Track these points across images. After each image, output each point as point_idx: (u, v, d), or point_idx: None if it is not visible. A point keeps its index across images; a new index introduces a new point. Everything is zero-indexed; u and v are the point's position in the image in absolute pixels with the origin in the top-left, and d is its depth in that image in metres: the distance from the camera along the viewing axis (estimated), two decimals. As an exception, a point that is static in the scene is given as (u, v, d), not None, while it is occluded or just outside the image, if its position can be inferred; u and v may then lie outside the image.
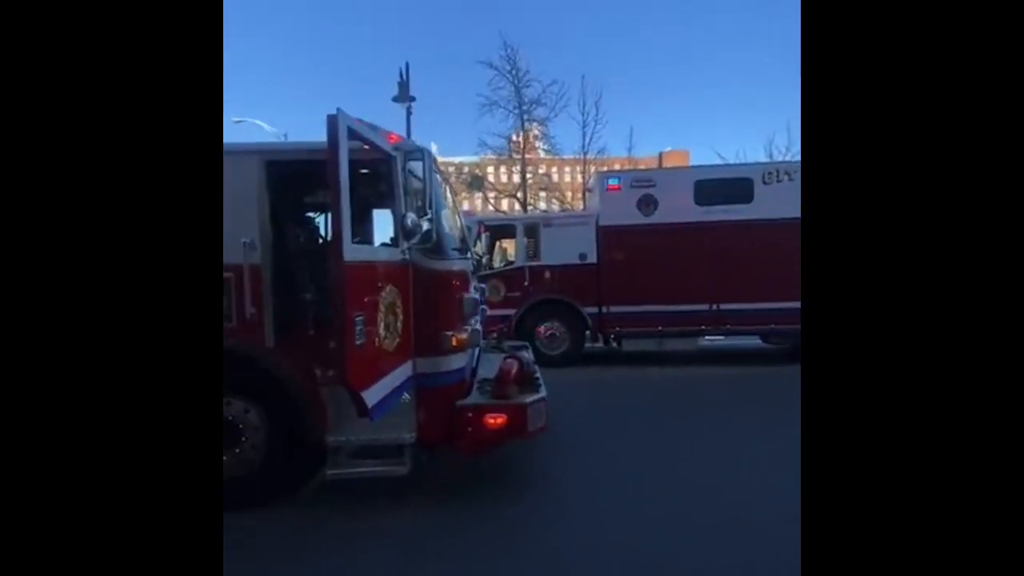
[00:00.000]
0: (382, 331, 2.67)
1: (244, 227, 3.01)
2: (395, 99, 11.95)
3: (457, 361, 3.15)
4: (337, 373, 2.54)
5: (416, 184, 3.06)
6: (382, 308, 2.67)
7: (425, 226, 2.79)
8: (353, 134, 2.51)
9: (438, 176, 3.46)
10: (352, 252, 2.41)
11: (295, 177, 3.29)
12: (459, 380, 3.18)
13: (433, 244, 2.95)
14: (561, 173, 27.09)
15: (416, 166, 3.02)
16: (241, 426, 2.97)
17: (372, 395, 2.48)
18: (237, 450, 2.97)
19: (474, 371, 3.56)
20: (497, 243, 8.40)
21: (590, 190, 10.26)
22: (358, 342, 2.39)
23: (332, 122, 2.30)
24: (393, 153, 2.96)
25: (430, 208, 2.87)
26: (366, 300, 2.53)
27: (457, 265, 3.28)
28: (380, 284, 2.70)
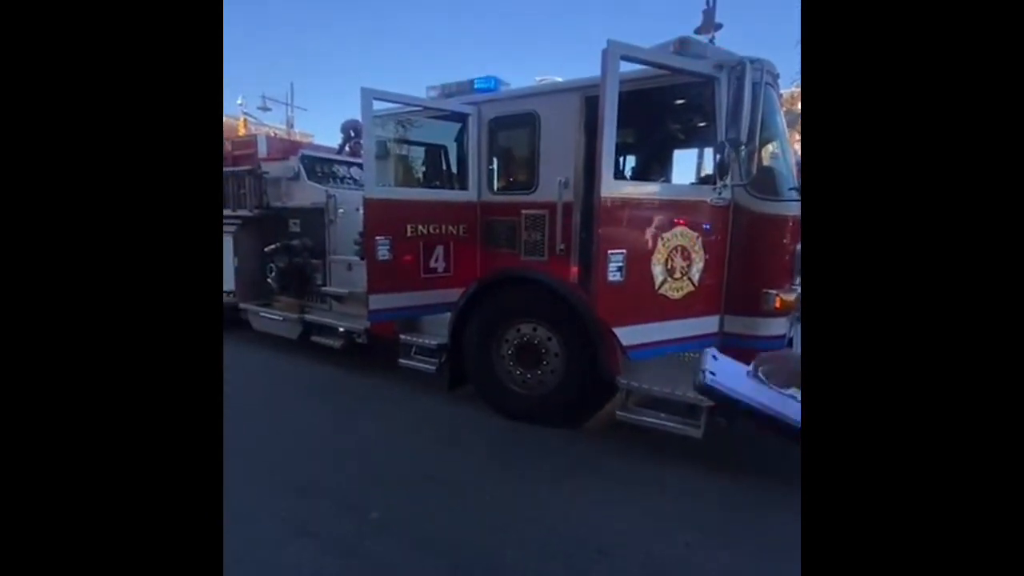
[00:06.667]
0: (658, 274, 2.55)
1: (561, 166, 3.14)
2: (697, 31, 10.77)
3: (778, 326, 2.62)
4: (591, 305, 2.68)
5: (746, 107, 2.54)
6: (661, 249, 2.55)
7: (745, 158, 2.36)
8: (640, 62, 2.49)
9: (775, 97, 2.80)
10: (610, 187, 2.41)
11: None
12: (779, 348, 2.65)
13: (753, 180, 2.46)
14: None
15: (747, 83, 2.49)
16: (543, 351, 3.25)
17: (628, 334, 2.54)
18: (538, 371, 3.29)
19: (791, 340, 2.92)
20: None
21: None
22: (614, 278, 2.44)
23: (604, 56, 2.27)
24: (715, 74, 2.53)
25: (762, 137, 2.35)
26: (630, 238, 2.51)
27: (791, 209, 2.65)
28: (656, 223, 2.56)
